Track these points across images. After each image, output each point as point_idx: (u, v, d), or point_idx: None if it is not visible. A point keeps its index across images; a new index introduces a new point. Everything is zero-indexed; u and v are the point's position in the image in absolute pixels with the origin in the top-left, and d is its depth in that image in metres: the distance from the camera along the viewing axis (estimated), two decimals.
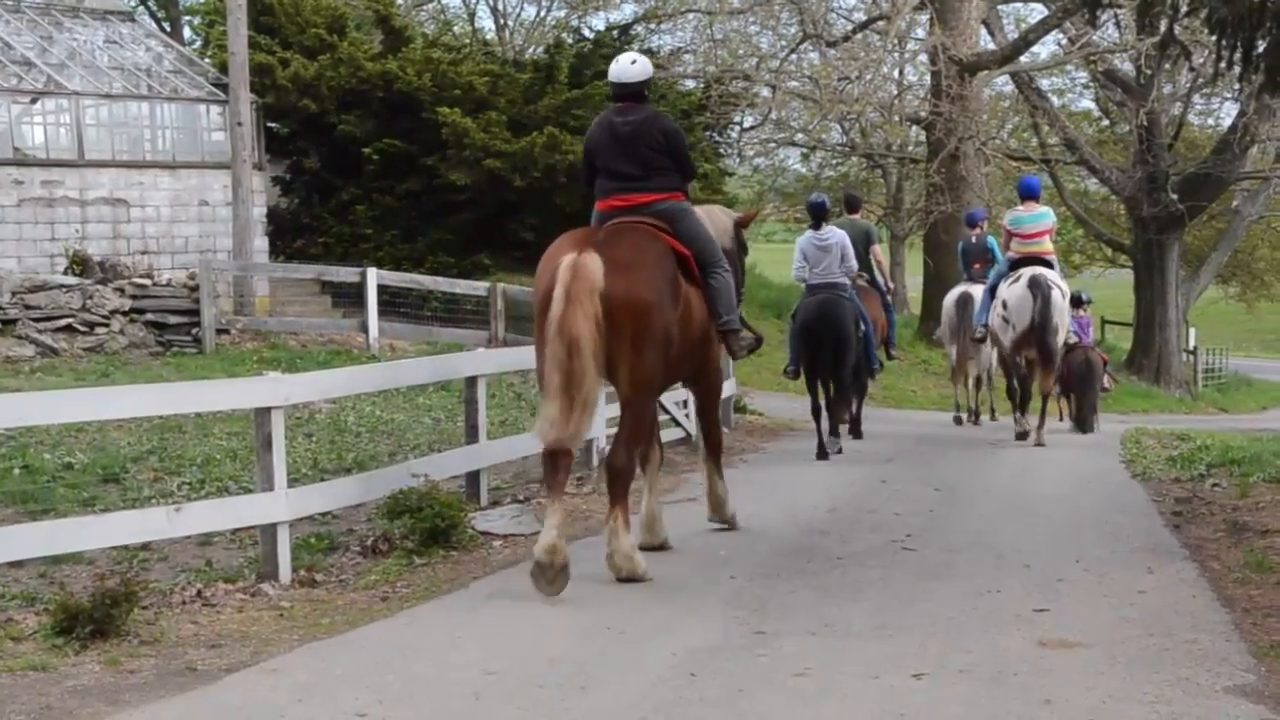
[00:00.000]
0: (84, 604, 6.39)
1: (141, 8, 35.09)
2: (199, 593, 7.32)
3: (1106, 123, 36.20)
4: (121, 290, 18.29)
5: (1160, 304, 31.36)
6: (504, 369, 12.84)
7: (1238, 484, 10.84)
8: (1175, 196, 29.72)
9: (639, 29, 28.96)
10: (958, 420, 17.42)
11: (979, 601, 7.10)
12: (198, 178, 20.94)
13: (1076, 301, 16.76)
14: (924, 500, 10.39)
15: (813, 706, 5.44)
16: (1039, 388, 14.30)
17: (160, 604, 7.07)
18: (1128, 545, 8.60)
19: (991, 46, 29.12)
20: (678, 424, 12.91)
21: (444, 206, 23.68)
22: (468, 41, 32.65)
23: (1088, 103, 37.02)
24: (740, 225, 9.41)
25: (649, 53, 27.40)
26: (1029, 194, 14.41)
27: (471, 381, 9.80)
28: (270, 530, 7.68)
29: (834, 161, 37.08)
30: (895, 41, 28.27)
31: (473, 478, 9.85)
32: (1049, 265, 14.09)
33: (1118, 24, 28.91)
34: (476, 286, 20.12)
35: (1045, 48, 32.23)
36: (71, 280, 18.24)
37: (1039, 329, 13.60)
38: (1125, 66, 30.28)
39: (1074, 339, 16.08)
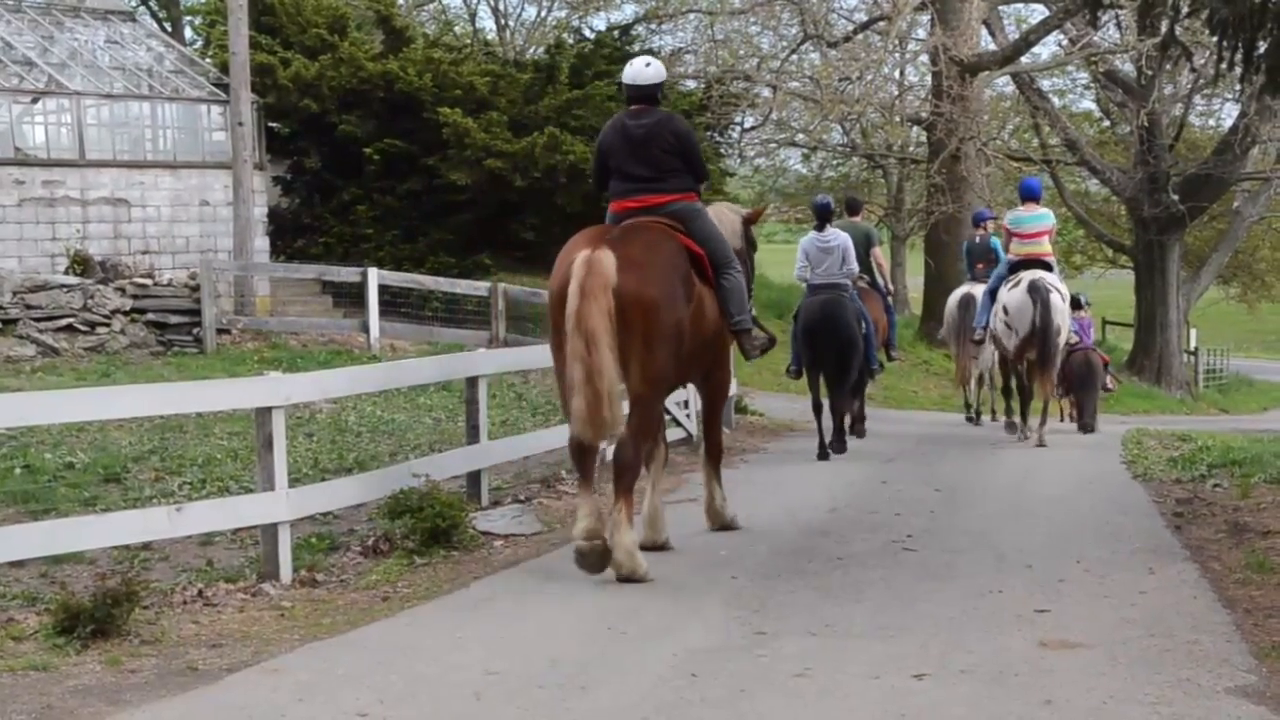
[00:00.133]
0: (85, 604, 6.40)
1: (142, 8, 35.08)
2: (200, 592, 7.32)
3: (1107, 123, 36.19)
4: (122, 290, 18.29)
5: (1161, 305, 31.35)
6: (505, 369, 12.87)
7: (1239, 485, 10.83)
8: (1176, 197, 29.71)
9: (640, 29, 28.94)
10: (970, 420, 17.46)
11: (980, 602, 7.10)
12: (199, 177, 20.93)
13: (1076, 304, 16.84)
14: (925, 501, 10.39)
15: (813, 707, 5.44)
16: (1039, 390, 14.32)
17: (161, 604, 7.08)
18: (1129, 546, 8.60)
19: (992, 47, 29.11)
20: (679, 424, 12.92)
21: (445, 206, 23.67)
22: (469, 42, 32.64)
23: (1089, 103, 37.06)
24: (748, 222, 9.51)
25: (650, 53, 27.41)
26: (1029, 195, 14.51)
27: (472, 382, 9.81)
28: (271, 530, 7.69)
29: (835, 162, 37.08)
30: (896, 42, 28.27)
31: (474, 478, 9.85)
32: (1048, 267, 14.16)
33: (1119, 25, 28.90)
34: (477, 287, 20.11)
35: (1046, 48, 32.27)
36: (72, 280, 18.24)
37: (1040, 333, 13.66)
38: (1126, 67, 30.28)
39: (1075, 339, 16.12)
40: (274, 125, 23.69)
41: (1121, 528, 9.26)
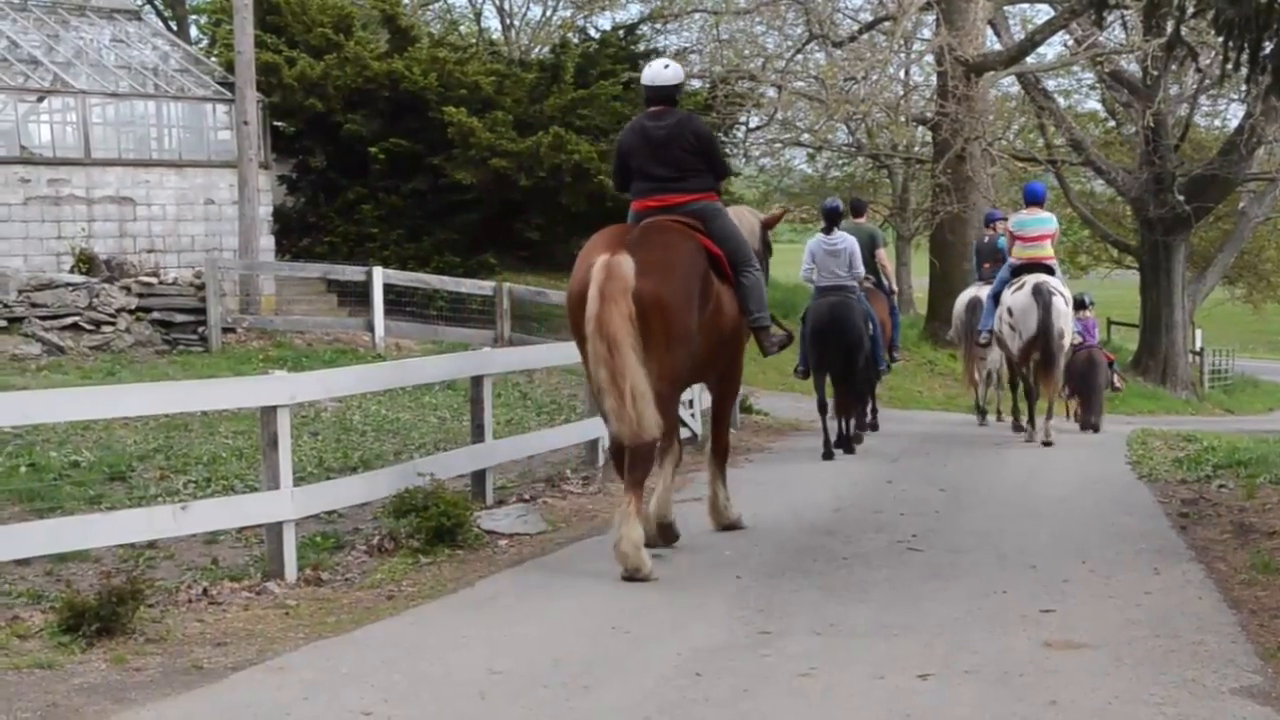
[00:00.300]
0: (90, 602, 6.40)
1: (148, 6, 35.13)
2: (205, 591, 7.32)
3: (1113, 124, 36.15)
4: (128, 289, 18.31)
5: (1166, 305, 31.31)
6: (510, 368, 12.85)
7: (1244, 485, 10.82)
8: (1181, 198, 29.67)
9: (645, 29, 28.93)
10: (980, 422, 17.46)
11: (985, 602, 7.09)
12: (204, 176, 20.96)
13: (1080, 304, 16.91)
14: (929, 501, 10.39)
15: (818, 707, 5.44)
16: (1044, 391, 14.43)
17: (166, 602, 7.08)
18: (1134, 546, 8.59)
19: (998, 47, 29.08)
20: (683, 424, 12.91)
21: (450, 206, 23.69)
22: (474, 41, 32.67)
23: (1094, 104, 37.01)
24: (766, 226, 9.63)
25: (655, 53, 27.41)
26: (1033, 199, 14.67)
27: (477, 381, 9.81)
28: (276, 529, 7.70)
29: (840, 162, 37.05)
30: (901, 42, 28.22)
31: (478, 477, 9.85)
32: (1050, 270, 14.29)
33: (1124, 25, 28.89)
34: (482, 286, 20.12)
35: (1051, 48, 32.25)
36: (78, 279, 18.26)
37: (1043, 336, 13.80)
38: (1132, 67, 30.25)
39: (1079, 339, 16.15)
40: (279, 124, 23.72)
41: (1127, 528, 9.25)
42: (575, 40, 28.40)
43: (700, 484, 10.13)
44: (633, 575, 7.52)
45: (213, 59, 24.74)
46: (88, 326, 17.60)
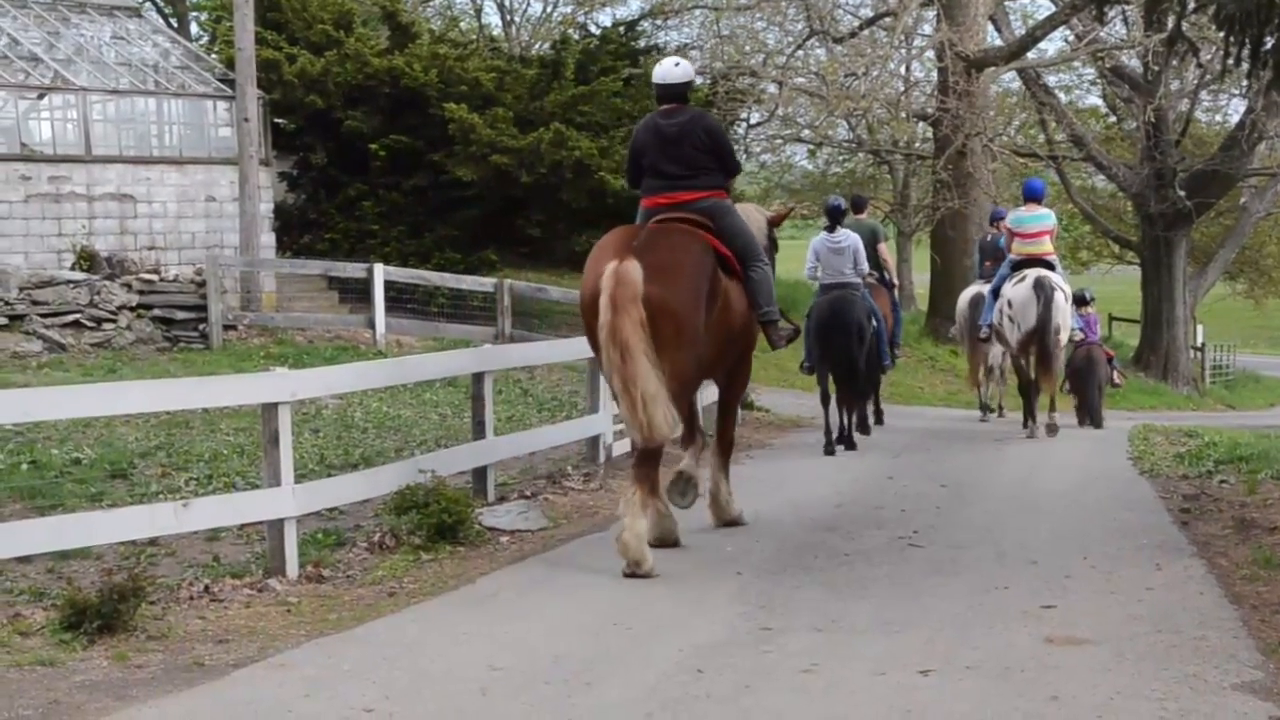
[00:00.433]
0: (92, 599, 6.41)
1: (148, 3, 35.06)
2: (206, 588, 7.33)
3: (1114, 119, 36.08)
4: (129, 286, 18.32)
5: (1167, 301, 31.29)
6: (511, 365, 12.85)
7: (1246, 481, 10.82)
8: (1183, 193, 29.64)
9: (645, 25, 28.92)
10: (983, 418, 17.47)
11: (986, 598, 7.09)
12: (205, 173, 20.95)
13: (1081, 300, 16.94)
14: (930, 497, 10.39)
15: (819, 703, 5.44)
16: (1044, 385, 14.47)
17: (168, 599, 7.08)
18: (1135, 542, 8.59)
19: (999, 43, 29.05)
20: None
21: (450, 202, 23.69)
22: (474, 37, 32.66)
23: (1095, 99, 36.90)
24: (773, 224, 9.74)
25: (656, 49, 27.40)
26: (1032, 196, 14.75)
27: (478, 377, 9.81)
28: (277, 526, 7.70)
29: (841, 158, 37.02)
30: (902, 38, 28.21)
31: (480, 473, 9.86)
32: (1050, 266, 14.35)
33: (1125, 20, 28.85)
34: (483, 282, 20.12)
35: (1053, 44, 32.17)
36: (79, 276, 18.27)
37: (1041, 330, 13.86)
38: (1133, 63, 30.20)
39: (1079, 336, 16.17)
40: (280, 121, 23.72)
41: (1128, 524, 9.25)
42: (576, 36, 28.40)
43: (700, 481, 10.12)
44: (634, 568, 7.54)
45: (213, 56, 24.74)
46: (89, 324, 17.60)
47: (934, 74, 29.44)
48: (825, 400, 13.27)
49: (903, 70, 31.45)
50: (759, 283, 8.57)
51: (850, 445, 13.23)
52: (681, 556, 8.18)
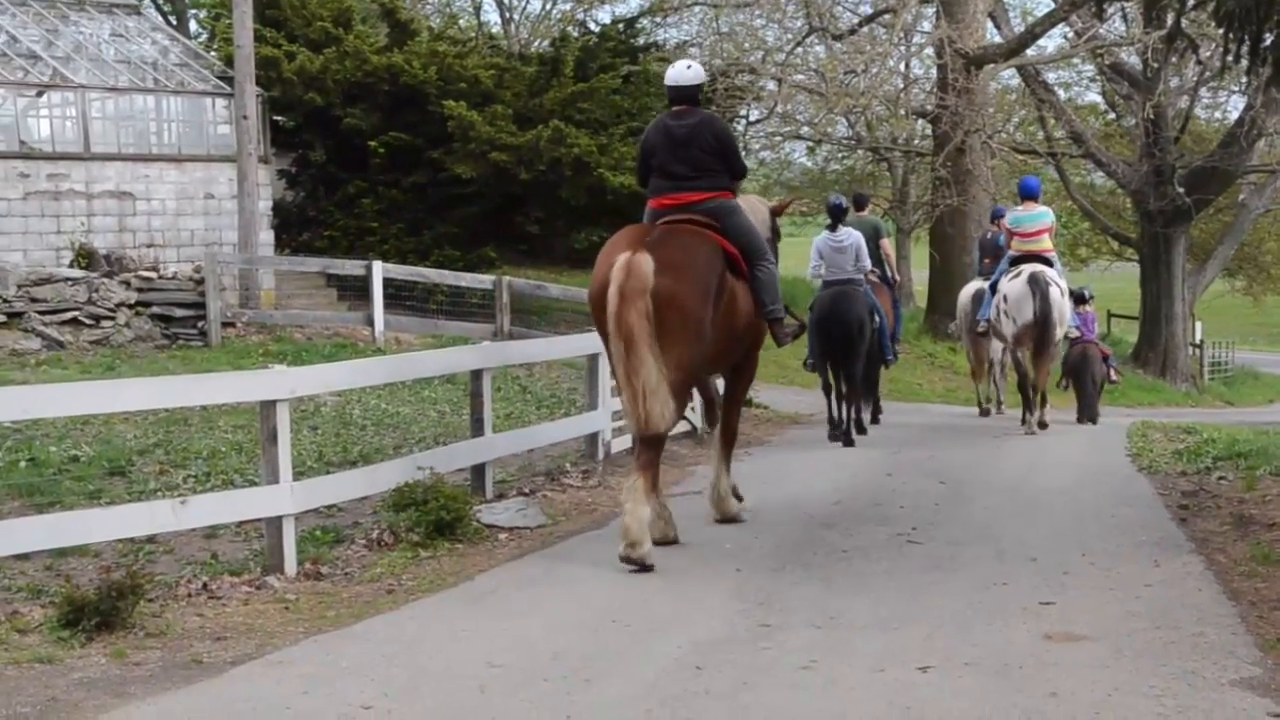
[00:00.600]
0: (90, 596, 6.40)
1: (147, 1, 35.07)
2: (204, 585, 7.33)
3: (1113, 116, 36.08)
4: (127, 283, 18.31)
5: (1166, 297, 31.30)
6: (509, 362, 12.85)
7: (1244, 477, 10.81)
8: (1182, 190, 29.65)
9: (645, 22, 28.92)
10: (983, 413, 17.47)
11: (984, 594, 7.09)
12: (203, 171, 20.95)
13: (1080, 298, 16.96)
14: (929, 493, 10.39)
15: (818, 699, 5.44)
16: (1036, 380, 14.55)
17: (166, 597, 7.08)
18: (1134, 538, 8.58)
19: (998, 40, 29.04)
20: (684, 418, 12.93)
21: (449, 200, 23.68)
22: (473, 35, 32.63)
23: (1094, 96, 36.92)
24: (775, 213, 9.90)
25: (655, 46, 27.41)
26: (1028, 194, 14.81)
27: (477, 375, 9.81)
28: (275, 523, 7.70)
29: (840, 155, 37.00)
30: (901, 35, 28.22)
31: (478, 471, 9.86)
32: (1049, 263, 14.41)
33: (1124, 17, 28.84)
34: (482, 280, 20.11)
35: (1052, 41, 32.19)
36: (77, 273, 18.26)
37: (1038, 324, 13.95)
38: (1132, 60, 30.21)
39: (1076, 333, 16.19)
40: (279, 119, 23.71)
41: (1126, 520, 9.25)
42: (575, 34, 28.39)
43: (699, 478, 10.13)
44: (630, 550, 7.56)
45: (212, 53, 24.72)
46: (87, 321, 17.60)
47: (933, 71, 29.44)
48: (828, 390, 13.42)
49: (902, 67, 31.48)
50: (765, 281, 8.67)
51: (849, 442, 13.27)
52: (680, 553, 8.18)
